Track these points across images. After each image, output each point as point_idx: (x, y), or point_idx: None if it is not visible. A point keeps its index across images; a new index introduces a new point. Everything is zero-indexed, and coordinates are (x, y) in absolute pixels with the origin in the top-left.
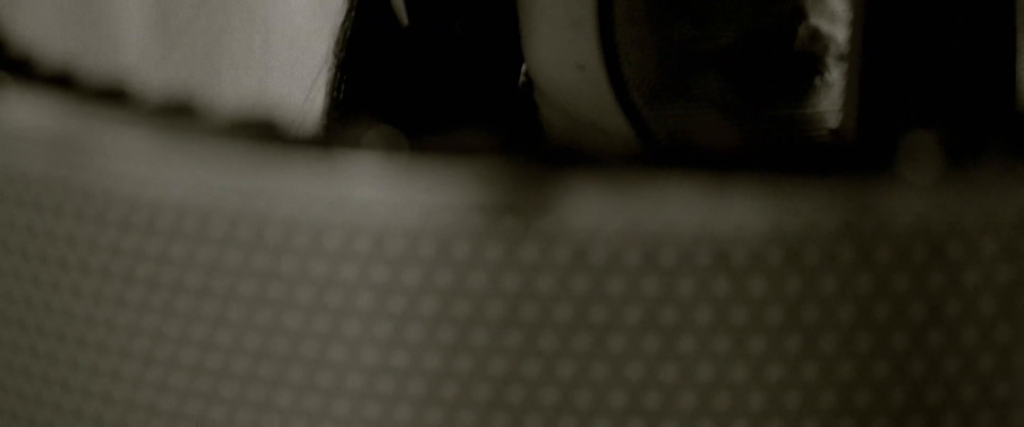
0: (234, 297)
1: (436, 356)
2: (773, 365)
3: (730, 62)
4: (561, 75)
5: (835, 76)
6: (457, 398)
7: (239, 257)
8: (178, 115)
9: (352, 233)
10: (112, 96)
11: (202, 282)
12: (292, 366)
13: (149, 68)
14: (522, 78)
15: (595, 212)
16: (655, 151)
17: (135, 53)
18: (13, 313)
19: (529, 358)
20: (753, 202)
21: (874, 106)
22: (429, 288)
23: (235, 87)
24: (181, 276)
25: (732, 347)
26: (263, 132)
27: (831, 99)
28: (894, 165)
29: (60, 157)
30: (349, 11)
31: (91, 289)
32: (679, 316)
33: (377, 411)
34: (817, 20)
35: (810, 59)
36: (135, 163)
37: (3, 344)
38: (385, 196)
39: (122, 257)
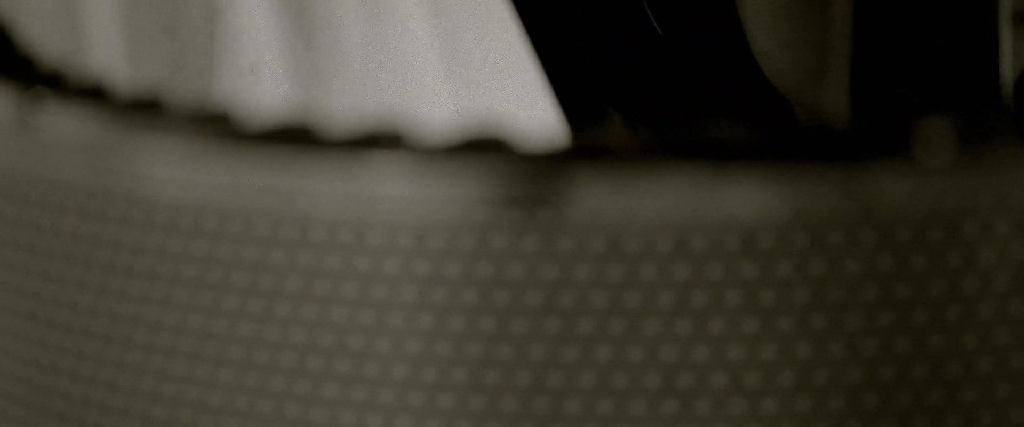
0: (280, 294)
1: (478, 345)
2: (801, 343)
3: None
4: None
5: None
6: (499, 385)
7: (284, 256)
8: (213, 121)
9: (394, 229)
10: (146, 106)
11: (248, 281)
12: (338, 359)
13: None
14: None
15: (621, 203)
16: (674, 142)
17: (108, 51)
18: (60, 317)
19: (567, 344)
20: (776, 189)
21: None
22: (470, 280)
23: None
24: (227, 276)
25: (761, 327)
26: (299, 135)
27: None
28: (907, 150)
29: (101, 165)
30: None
31: (138, 292)
32: (709, 299)
33: (421, 399)
34: None
35: None
36: (177, 169)
37: (49, 347)
38: (425, 193)
39: (168, 260)
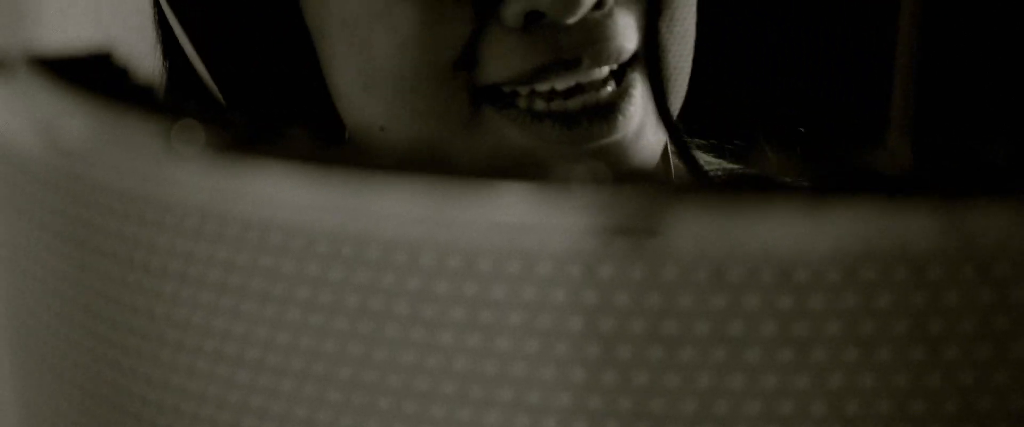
0: (390, 316)
1: (582, 370)
2: (899, 374)
3: None
4: None
5: None
6: (602, 410)
7: (393, 280)
8: (328, 151)
9: (503, 256)
10: (267, 132)
11: (360, 303)
12: (445, 380)
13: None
14: None
15: (717, 234)
16: (776, 176)
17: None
18: (171, 335)
19: (670, 371)
20: (877, 224)
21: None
22: (576, 307)
23: None
24: (340, 298)
25: (860, 357)
26: (417, 163)
27: None
28: (1008, 185)
29: (219, 188)
30: None
31: (250, 312)
32: (811, 329)
33: (526, 421)
34: None
35: None
36: (291, 192)
37: (129, 352)
38: (534, 221)
39: (281, 281)
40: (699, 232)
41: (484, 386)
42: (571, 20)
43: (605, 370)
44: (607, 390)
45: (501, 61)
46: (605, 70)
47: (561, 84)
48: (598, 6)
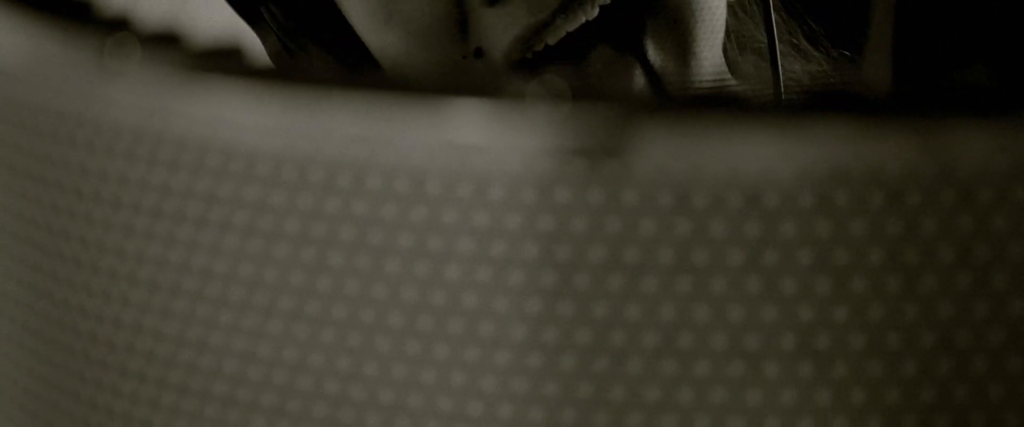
0: (334, 243)
1: (537, 301)
2: (874, 305)
3: None
4: None
5: None
6: (559, 342)
7: (338, 204)
8: (268, 69)
9: (453, 179)
10: (225, 53)
11: (302, 229)
12: (392, 312)
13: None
14: None
15: (681, 155)
16: (746, 96)
17: None
18: (86, 258)
19: (631, 301)
20: (852, 146)
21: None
22: (530, 233)
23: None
24: (280, 224)
25: (833, 288)
26: (364, 81)
27: None
28: (964, 107)
29: (154, 107)
30: None
31: (186, 238)
32: (781, 258)
33: (478, 355)
34: None
35: None
36: (230, 112)
37: (61, 282)
38: (485, 142)
39: (219, 205)
40: (662, 153)
41: (433, 317)
42: None
43: (562, 300)
44: (564, 322)
45: (489, 35)
46: (593, 11)
47: (552, 39)
48: None
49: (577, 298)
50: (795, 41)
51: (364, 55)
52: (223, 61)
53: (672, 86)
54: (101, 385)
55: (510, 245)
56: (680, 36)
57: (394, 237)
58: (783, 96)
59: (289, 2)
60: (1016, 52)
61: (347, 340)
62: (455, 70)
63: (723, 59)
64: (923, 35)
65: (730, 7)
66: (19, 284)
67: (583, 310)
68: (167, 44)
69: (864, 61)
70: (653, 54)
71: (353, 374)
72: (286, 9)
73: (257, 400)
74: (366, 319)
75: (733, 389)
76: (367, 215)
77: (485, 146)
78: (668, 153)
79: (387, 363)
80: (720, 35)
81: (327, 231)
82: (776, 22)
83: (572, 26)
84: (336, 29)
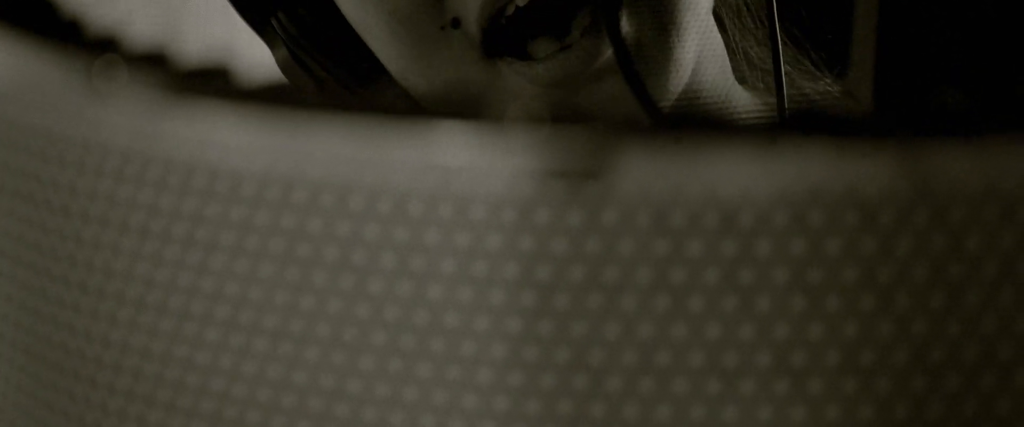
0: (318, 263)
1: (518, 320)
2: (849, 323)
3: None
4: None
5: None
6: (538, 361)
7: (322, 224)
8: (254, 91)
9: (435, 200)
10: (211, 73)
11: (286, 249)
12: (375, 331)
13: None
14: None
15: (659, 176)
16: (723, 119)
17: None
18: (74, 276)
19: (610, 320)
20: (827, 166)
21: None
22: (511, 253)
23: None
24: (265, 244)
25: (808, 306)
26: (350, 103)
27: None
28: (938, 128)
29: (142, 128)
30: None
31: (173, 257)
32: (756, 277)
33: (459, 373)
34: None
35: None
36: (216, 133)
37: (50, 299)
38: (468, 164)
39: (205, 225)
40: (640, 174)
41: (415, 336)
42: None
43: (542, 320)
44: (544, 341)
45: (463, 3)
46: None
47: (520, 0)
48: None
49: (557, 317)
50: (802, 65)
51: (373, 65)
52: (210, 82)
53: (648, 61)
54: (90, 402)
55: (491, 265)
56: (658, 10)
57: (377, 257)
58: (787, 113)
59: (297, 12)
60: (991, 74)
61: (331, 358)
62: (434, 43)
63: (727, 59)
64: (904, 57)
65: (738, 30)
66: (8, 302)
67: (563, 329)
68: (155, 65)
69: (846, 83)
70: (626, 25)
71: (337, 392)
72: (294, 18)
73: (243, 418)
74: (349, 338)
75: (710, 406)
76: (350, 235)
77: (467, 167)
78: (647, 174)
79: (370, 381)
80: (703, 13)
81: (311, 251)
82: (782, 40)
83: None
84: (344, 39)
